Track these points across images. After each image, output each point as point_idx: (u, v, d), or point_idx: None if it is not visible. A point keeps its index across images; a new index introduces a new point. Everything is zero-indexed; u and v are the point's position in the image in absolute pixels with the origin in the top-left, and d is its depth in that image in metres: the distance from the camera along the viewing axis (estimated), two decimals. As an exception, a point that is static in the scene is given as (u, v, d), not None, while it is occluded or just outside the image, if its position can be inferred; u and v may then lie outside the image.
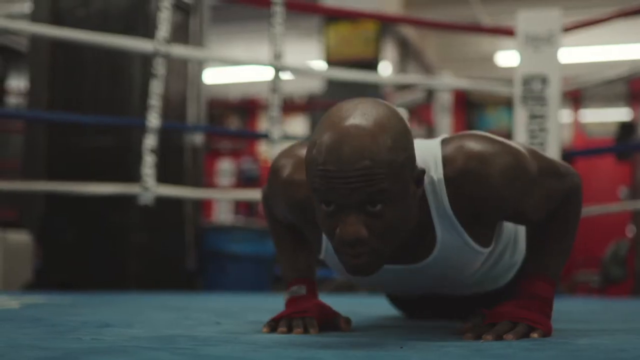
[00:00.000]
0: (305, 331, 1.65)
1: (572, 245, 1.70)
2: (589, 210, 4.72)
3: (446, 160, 1.58)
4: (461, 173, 1.56)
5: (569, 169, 1.70)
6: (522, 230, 1.91)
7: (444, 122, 7.08)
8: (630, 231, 8.88)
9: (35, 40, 5.47)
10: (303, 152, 1.70)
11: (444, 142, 1.62)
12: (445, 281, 1.80)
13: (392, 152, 1.38)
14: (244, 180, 11.35)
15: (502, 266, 1.89)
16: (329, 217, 1.43)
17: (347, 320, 1.78)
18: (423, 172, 1.49)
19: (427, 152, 1.60)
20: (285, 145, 1.97)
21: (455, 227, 1.62)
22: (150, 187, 4.08)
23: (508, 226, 1.82)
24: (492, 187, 1.55)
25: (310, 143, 1.43)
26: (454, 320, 2.12)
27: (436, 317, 2.25)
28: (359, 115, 1.40)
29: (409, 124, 1.47)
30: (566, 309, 3.14)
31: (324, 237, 1.69)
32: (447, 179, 1.57)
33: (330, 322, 1.76)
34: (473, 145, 1.58)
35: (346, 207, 1.40)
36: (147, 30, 4.79)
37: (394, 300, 2.32)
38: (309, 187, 1.45)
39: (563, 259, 1.68)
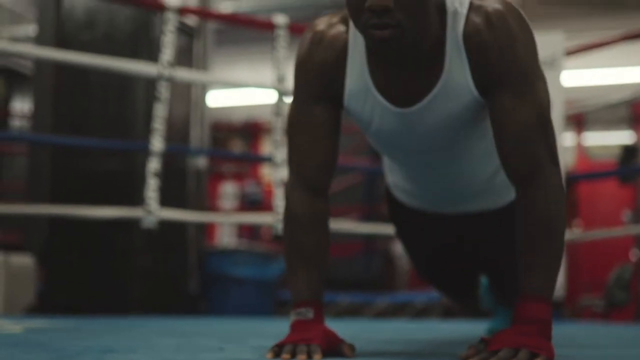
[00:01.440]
0: (309, 358, 1.64)
1: (561, 256, 1.68)
2: (593, 234, 4.71)
3: (473, 3, 1.69)
4: (484, 13, 1.67)
5: (558, 154, 1.73)
6: None
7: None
8: (634, 255, 8.85)
9: (40, 63, 5.50)
10: (332, 15, 1.83)
11: None
12: (446, 137, 1.82)
13: None
14: (247, 203, 11.33)
15: (503, 177, 1.92)
16: None
17: (351, 347, 1.77)
18: None
19: None
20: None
21: (461, 59, 1.68)
22: (153, 210, 4.08)
23: None
24: (507, 34, 1.65)
25: None
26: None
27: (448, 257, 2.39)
28: None
29: None
30: (570, 333, 3.13)
31: (347, 79, 1.77)
32: (470, 12, 1.67)
33: (334, 348, 1.75)
34: (505, 4, 1.68)
35: None
36: (151, 53, 4.81)
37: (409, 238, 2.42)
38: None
39: (554, 271, 1.66)
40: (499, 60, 1.66)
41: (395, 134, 1.83)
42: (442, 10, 1.66)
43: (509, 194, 2.06)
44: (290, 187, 1.87)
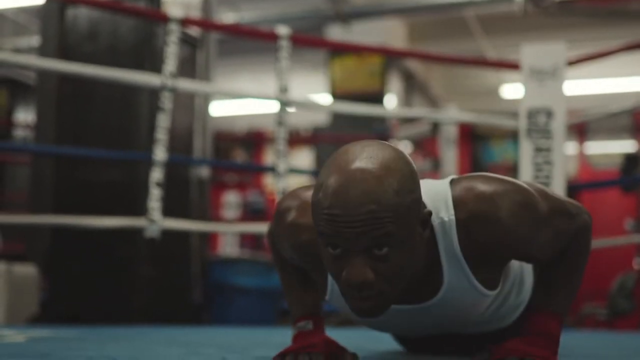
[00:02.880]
0: (312, 366, 1.65)
1: (580, 282, 1.69)
2: (595, 243, 4.71)
3: (456, 202, 1.57)
4: (472, 215, 1.56)
5: (579, 208, 1.69)
6: (528, 268, 1.90)
7: (450, 155, 7.07)
8: (637, 263, 8.84)
9: (43, 74, 5.52)
10: (308, 194, 1.70)
11: (453, 183, 1.62)
12: (451, 322, 1.79)
13: (398, 195, 1.38)
14: (250, 212, 11.35)
15: (508, 306, 1.88)
16: (335, 261, 1.43)
17: (354, 356, 1.77)
18: (430, 214, 1.49)
19: (437, 194, 1.60)
20: (291, 179, 1.98)
21: (463, 269, 1.60)
22: (156, 220, 4.08)
23: (514, 265, 1.80)
24: (502, 230, 1.55)
25: (316, 186, 1.43)
26: (459, 356, 2.11)
27: (440, 354, 2.24)
28: (365, 158, 1.40)
29: (415, 166, 1.47)
30: (573, 342, 3.12)
31: (330, 279, 1.68)
32: (458, 220, 1.57)
33: (336, 357, 1.75)
34: (483, 187, 1.57)
35: (352, 250, 1.40)
36: (154, 64, 4.82)
37: (397, 336, 2.30)
38: (314, 230, 1.45)
39: (571, 295, 1.68)
40: (505, 256, 1.62)
41: (386, 325, 1.83)
42: (425, 222, 1.50)
43: (508, 320, 1.99)
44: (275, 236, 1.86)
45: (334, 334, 1.85)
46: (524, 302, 1.96)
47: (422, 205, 1.47)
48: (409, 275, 1.47)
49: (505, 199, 1.55)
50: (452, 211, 1.57)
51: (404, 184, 1.40)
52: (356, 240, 1.38)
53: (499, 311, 1.88)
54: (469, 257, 1.59)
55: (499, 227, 1.55)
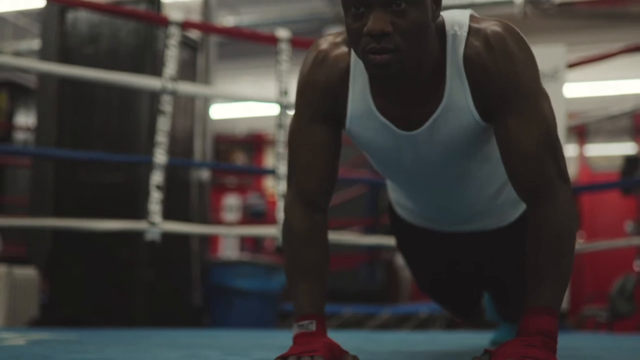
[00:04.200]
0: (313, 369, 1.65)
1: (571, 269, 1.69)
2: (596, 245, 4.71)
3: (472, 23, 1.70)
4: (482, 36, 1.68)
5: (567, 172, 1.74)
6: None
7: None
8: (637, 266, 8.85)
9: (44, 77, 5.52)
10: (336, 36, 1.84)
11: (472, 16, 1.74)
12: (449, 155, 1.82)
13: None
14: (250, 215, 11.34)
15: (508, 195, 1.95)
16: (357, 19, 1.59)
17: (355, 359, 1.77)
18: None
19: (456, 15, 1.73)
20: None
21: (462, 83, 1.69)
22: (156, 223, 4.09)
23: None
24: (507, 56, 1.66)
25: None
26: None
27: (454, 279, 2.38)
28: None
29: None
30: (574, 344, 3.13)
31: (350, 102, 1.79)
32: (469, 36, 1.68)
33: (338, 360, 1.75)
34: (503, 25, 1.71)
35: (373, 5, 1.57)
36: (154, 67, 4.83)
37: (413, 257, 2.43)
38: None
39: (563, 285, 1.67)
40: (500, 83, 1.67)
41: (397, 156, 1.85)
42: (441, 33, 1.68)
43: (512, 214, 2.07)
44: (289, 202, 1.87)
45: (335, 335, 1.85)
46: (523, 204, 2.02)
47: None
48: (421, 41, 1.62)
49: (519, 41, 1.69)
50: (465, 27, 1.70)
51: None
52: None
53: (500, 196, 1.98)
54: (469, 73, 1.68)
55: (504, 52, 1.66)
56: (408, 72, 1.64)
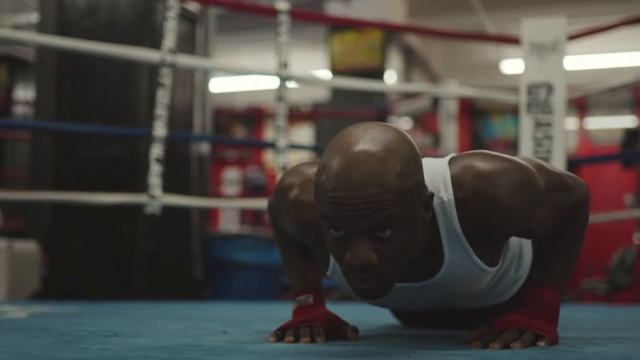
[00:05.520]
0: (312, 340, 1.66)
1: (578, 255, 1.71)
2: (595, 217, 4.71)
3: (455, 181, 1.57)
4: (470, 193, 1.56)
5: (576, 180, 1.69)
6: (526, 244, 1.90)
7: (450, 130, 7.07)
8: (636, 238, 8.86)
9: (42, 51, 5.50)
10: (310, 171, 1.70)
11: (452, 162, 1.62)
12: (452, 299, 1.80)
13: (401, 177, 1.39)
14: (250, 189, 11.35)
15: (507, 282, 1.89)
16: (338, 243, 1.44)
17: (354, 330, 1.78)
18: (432, 195, 1.49)
19: (436, 173, 1.60)
20: (291, 155, 1.99)
21: (463, 247, 1.61)
22: (156, 196, 4.08)
23: (513, 241, 1.80)
24: (501, 207, 1.55)
25: (319, 168, 1.43)
26: (457, 330, 2.12)
27: (438, 328, 2.25)
28: (367, 140, 1.40)
29: (417, 148, 1.47)
30: (573, 316, 3.14)
31: (332, 259, 1.69)
32: (457, 199, 1.57)
33: (337, 331, 1.76)
34: (481, 165, 1.57)
35: (355, 232, 1.40)
36: (153, 40, 4.81)
37: (395, 312, 2.31)
38: (317, 211, 1.45)
39: (570, 268, 1.68)
40: (507, 233, 1.63)
41: (386, 302, 1.83)
42: (428, 204, 1.50)
43: (507, 295, 2.00)
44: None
45: (334, 308, 1.86)
46: (522, 278, 1.96)
47: (424, 187, 1.47)
48: (411, 257, 1.48)
49: (503, 177, 1.56)
50: (451, 190, 1.57)
51: (406, 167, 1.40)
52: (359, 223, 1.39)
53: (498, 286, 1.88)
54: (469, 235, 1.59)
55: (497, 206, 1.55)
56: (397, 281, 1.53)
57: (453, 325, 2.16)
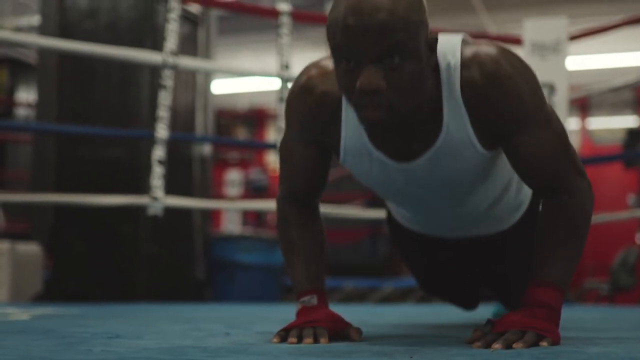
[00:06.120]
0: (316, 341, 1.65)
1: (581, 253, 1.69)
2: (597, 217, 4.71)
3: (464, 49, 1.64)
4: (477, 58, 1.62)
5: (583, 168, 1.71)
6: None
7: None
8: (639, 239, 8.86)
9: (44, 53, 5.50)
10: (328, 63, 1.77)
11: (465, 38, 1.69)
12: (447, 186, 1.81)
13: (409, 10, 1.50)
14: (252, 190, 11.35)
15: (507, 204, 1.93)
16: (349, 73, 1.52)
17: (358, 331, 1.78)
18: (436, 39, 1.58)
19: (448, 41, 1.67)
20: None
21: (462, 116, 1.65)
22: (159, 197, 4.09)
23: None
24: (503, 77, 1.61)
25: (332, 6, 1.54)
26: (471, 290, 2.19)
27: (455, 286, 2.38)
28: None
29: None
30: (575, 316, 3.14)
31: (343, 132, 1.75)
32: (463, 62, 1.63)
33: (341, 332, 1.76)
34: (496, 46, 1.66)
35: (366, 61, 1.49)
36: (155, 42, 4.82)
37: (414, 264, 2.42)
38: (330, 48, 1.55)
39: (572, 267, 1.68)
40: (503, 110, 1.63)
41: (393, 185, 1.83)
42: (435, 66, 1.61)
43: (511, 219, 2.05)
44: (281, 198, 1.90)
45: (337, 309, 1.85)
46: (523, 204, 2.02)
47: (429, 30, 1.56)
48: (417, 92, 1.55)
49: (516, 60, 1.65)
50: (458, 55, 1.63)
51: (414, 4, 1.52)
52: (369, 49, 1.48)
53: (499, 206, 1.95)
54: (468, 104, 1.64)
55: (500, 75, 1.61)
56: (403, 120, 1.60)
57: (469, 273, 2.32)
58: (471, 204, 1.91)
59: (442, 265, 2.34)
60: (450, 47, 1.64)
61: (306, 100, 1.77)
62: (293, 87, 1.81)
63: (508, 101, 1.61)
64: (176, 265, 5.31)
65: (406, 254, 2.44)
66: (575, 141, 11.17)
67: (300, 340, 1.66)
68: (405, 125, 1.66)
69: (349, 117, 1.72)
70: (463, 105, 1.64)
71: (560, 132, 1.67)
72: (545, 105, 1.67)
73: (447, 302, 2.66)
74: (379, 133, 1.71)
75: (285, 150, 1.86)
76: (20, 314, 3.00)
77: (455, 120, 1.65)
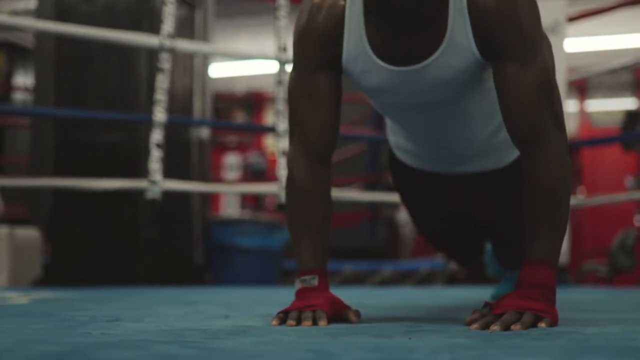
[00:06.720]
0: (315, 324, 1.66)
1: (566, 222, 1.70)
2: (596, 200, 4.72)
3: None
4: None
5: (563, 119, 1.75)
6: None
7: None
8: (637, 221, 8.86)
9: (41, 37, 5.48)
10: None
11: None
12: (447, 100, 1.84)
13: None
14: (251, 173, 11.34)
15: (504, 137, 1.95)
16: None
17: (357, 313, 1.78)
18: None
19: None
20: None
21: (465, 23, 1.68)
22: (157, 181, 4.09)
23: None
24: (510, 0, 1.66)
25: None
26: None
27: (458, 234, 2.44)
28: None
29: None
30: (574, 298, 3.14)
31: (345, 45, 1.78)
32: None
33: (340, 314, 1.76)
34: None
35: None
36: (152, 25, 4.80)
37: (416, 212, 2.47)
38: None
39: (559, 238, 1.68)
40: (501, 26, 1.67)
41: (394, 92, 1.84)
42: None
43: (509, 155, 2.10)
44: (292, 157, 1.88)
45: (337, 291, 1.86)
46: None
47: None
48: None
49: None
50: None
51: None
52: None
53: (497, 137, 2.02)
54: (473, 16, 1.67)
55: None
56: (411, 4, 1.63)
57: (467, 229, 2.40)
58: (470, 126, 1.96)
59: (441, 205, 2.37)
60: None
61: (312, 20, 1.80)
62: (300, 12, 1.84)
63: (507, 17, 1.66)
64: (175, 249, 5.31)
65: (407, 195, 2.48)
66: (573, 123, 11.17)
67: (299, 322, 1.66)
68: (410, 22, 1.69)
69: (351, 25, 1.76)
70: (467, 14, 1.68)
71: (547, 70, 1.71)
72: (540, 36, 1.71)
73: (447, 253, 2.69)
74: (381, 35, 1.74)
75: (295, 90, 1.87)
76: (20, 298, 3.01)
77: (459, 27, 1.70)
